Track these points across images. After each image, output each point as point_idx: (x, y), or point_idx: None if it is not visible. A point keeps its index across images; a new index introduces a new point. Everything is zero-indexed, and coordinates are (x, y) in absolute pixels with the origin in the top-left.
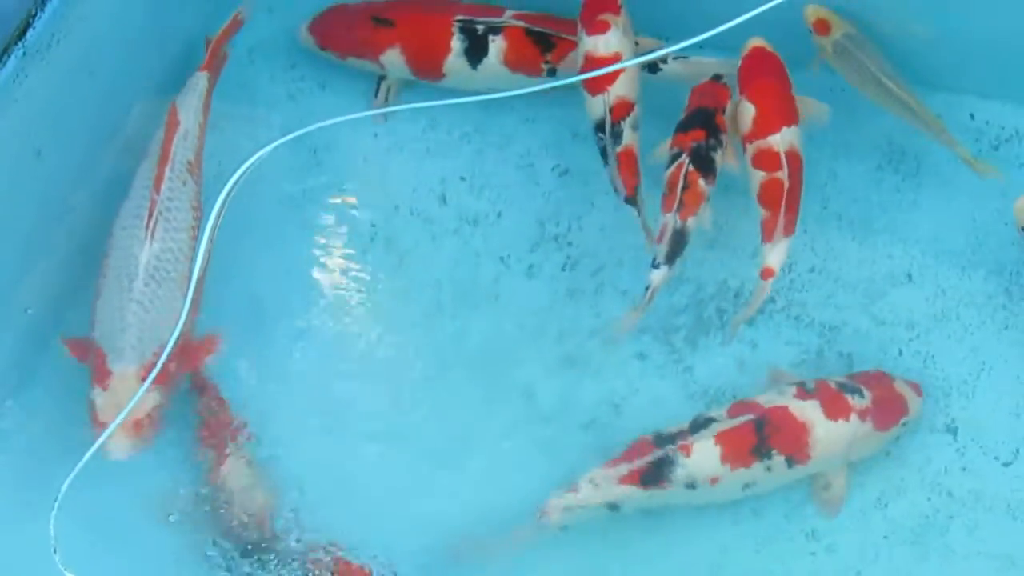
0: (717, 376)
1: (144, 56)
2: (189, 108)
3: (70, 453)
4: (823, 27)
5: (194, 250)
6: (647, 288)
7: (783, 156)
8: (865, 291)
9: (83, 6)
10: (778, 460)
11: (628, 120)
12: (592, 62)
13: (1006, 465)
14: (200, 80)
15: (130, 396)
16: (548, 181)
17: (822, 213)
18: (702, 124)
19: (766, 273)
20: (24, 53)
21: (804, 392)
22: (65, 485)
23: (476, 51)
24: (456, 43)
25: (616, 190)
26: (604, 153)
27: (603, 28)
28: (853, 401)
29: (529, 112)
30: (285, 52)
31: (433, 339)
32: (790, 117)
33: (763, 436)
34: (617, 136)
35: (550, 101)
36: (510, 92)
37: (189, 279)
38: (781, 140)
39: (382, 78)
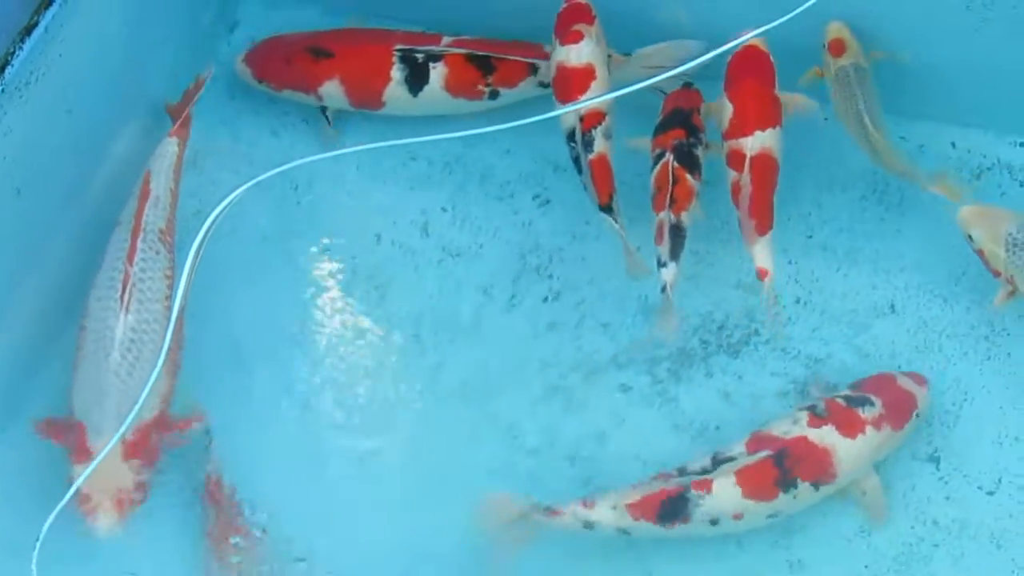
0: (702, 408)
1: (124, 93)
2: (160, 175)
3: (52, 491)
4: (838, 48)
5: (177, 321)
6: (663, 289)
7: (748, 159)
8: (849, 323)
9: (62, 44)
10: (804, 487)
11: (600, 128)
12: (564, 72)
13: (990, 494)
14: (170, 146)
15: (114, 472)
16: (529, 212)
17: (807, 244)
18: (680, 124)
19: (760, 274)
20: (2, 91)
21: (817, 418)
22: (47, 524)
23: (417, 79)
24: (396, 72)
25: (591, 199)
26: (577, 162)
27: (576, 38)
28: (865, 414)
29: (509, 143)
30: None
31: (415, 372)
32: (767, 120)
33: (785, 468)
34: (588, 144)
35: (530, 131)
36: (524, 120)
37: (163, 348)
38: (751, 143)
39: (322, 108)
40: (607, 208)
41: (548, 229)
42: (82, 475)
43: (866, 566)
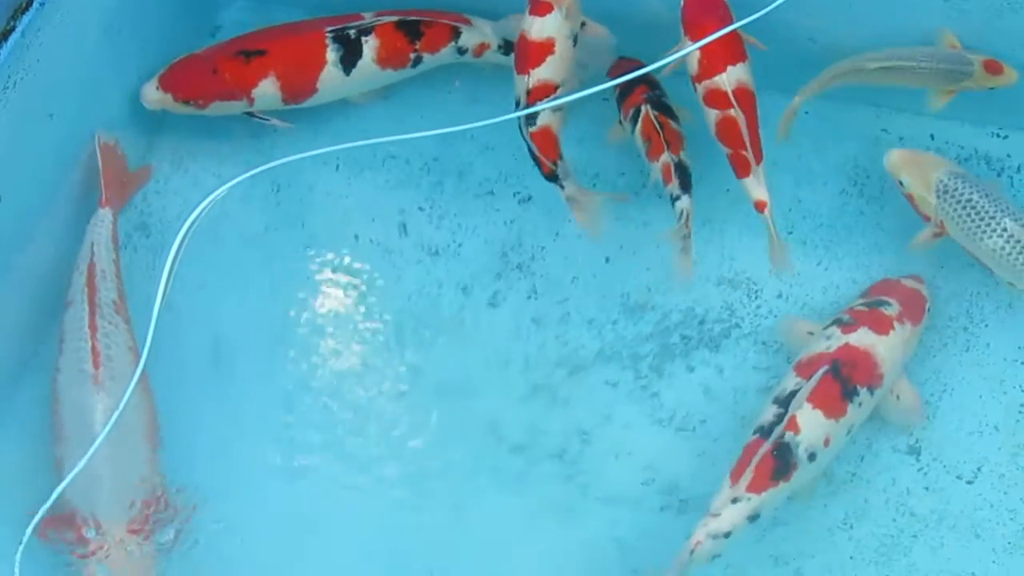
0: (684, 402)
1: (104, 97)
2: (101, 247)
3: (36, 493)
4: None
5: (148, 393)
6: (681, 216)
7: (731, 94)
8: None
9: (40, 49)
10: (863, 393)
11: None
12: (523, 42)
13: (969, 483)
14: (104, 217)
15: (126, 554)
16: (510, 209)
17: (787, 239)
18: (640, 81)
19: (759, 206)
20: None
21: (848, 326)
22: (31, 527)
23: (351, 56)
24: (331, 54)
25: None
26: (521, 132)
27: (544, 11)
28: (888, 312)
29: (488, 140)
30: None
31: (396, 371)
32: (736, 55)
33: (844, 378)
34: (532, 117)
35: (510, 128)
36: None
37: (150, 418)
38: (727, 79)
39: (249, 113)
40: (551, 177)
41: (530, 227)
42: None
43: (851, 557)
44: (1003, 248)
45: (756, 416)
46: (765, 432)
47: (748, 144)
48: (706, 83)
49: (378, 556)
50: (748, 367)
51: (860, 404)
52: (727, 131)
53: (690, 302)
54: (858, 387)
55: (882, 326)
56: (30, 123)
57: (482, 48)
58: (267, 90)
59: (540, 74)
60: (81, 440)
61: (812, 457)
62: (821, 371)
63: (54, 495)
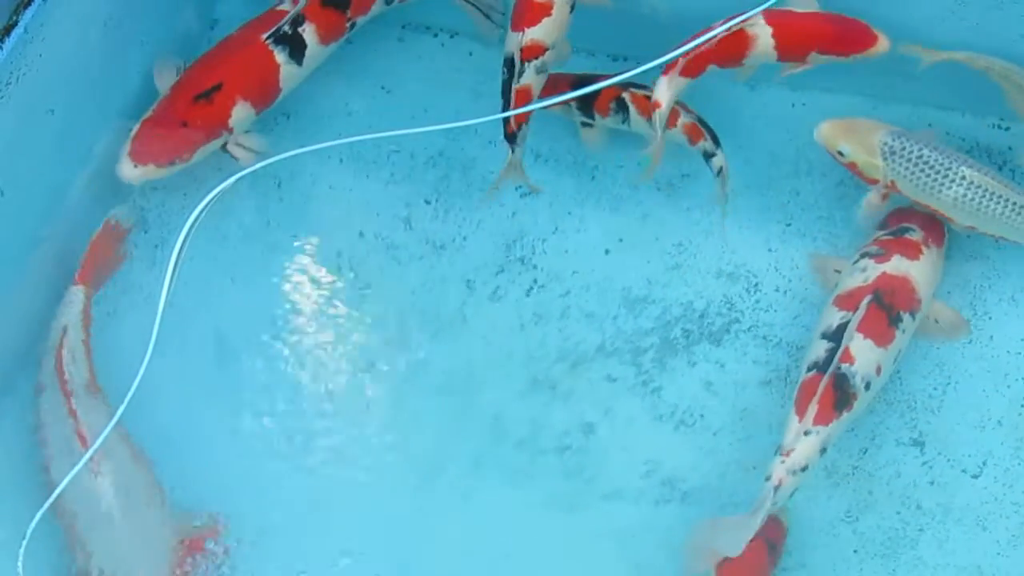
0: (685, 396)
1: (105, 92)
2: (72, 329)
3: (39, 490)
4: None
5: (135, 454)
6: (718, 173)
7: None
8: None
9: (42, 44)
10: (906, 319)
11: (535, 63)
12: (523, 1)
13: (974, 477)
14: (77, 295)
15: None
16: (512, 203)
17: (786, 232)
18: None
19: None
20: None
21: (879, 256)
22: (33, 523)
23: (297, 49)
24: (280, 55)
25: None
26: (505, 88)
27: None
28: (914, 237)
29: (492, 135)
30: None
31: (400, 366)
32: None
33: (887, 305)
34: (520, 74)
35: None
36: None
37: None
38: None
39: (224, 145)
40: (511, 137)
41: (532, 220)
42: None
43: (855, 551)
44: (964, 195)
45: (807, 353)
46: (820, 367)
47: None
48: None
49: (382, 549)
50: (749, 361)
51: (904, 330)
52: None
53: (690, 295)
54: (901, 313)
55: (912, 251)
56: (33, 118)
57: None
58: (240, 114)
59: (534, 34)
60: (97, 524)
61: (868, 386)
62: (866, 301)
63: (48, 502)
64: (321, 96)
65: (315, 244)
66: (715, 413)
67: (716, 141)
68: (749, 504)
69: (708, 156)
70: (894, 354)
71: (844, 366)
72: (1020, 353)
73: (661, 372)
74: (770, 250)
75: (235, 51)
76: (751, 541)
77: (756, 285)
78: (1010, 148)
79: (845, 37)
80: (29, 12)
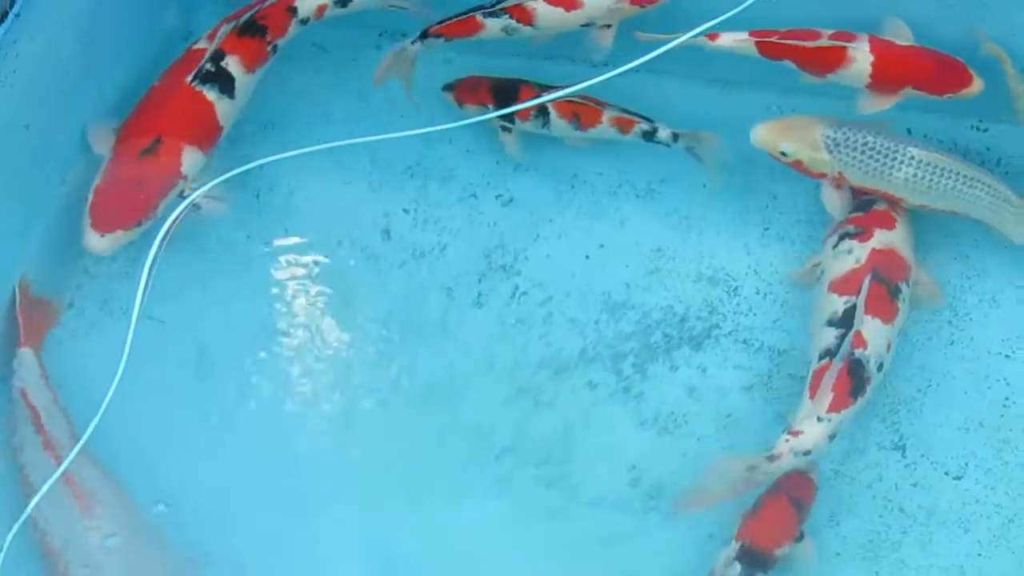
0: (667, 402)
1: (81, 107)
2: (36, 390)
3: (17, 500)
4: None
5: (122, 499)
6: (675, 140)
7: None
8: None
9: (16, 60)
10: (904, 290)
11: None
12: None
13: (957, 479)
14: (27, 358)
15: None
16: (492, 211)
17: (765, 235)
18: (516, 83)
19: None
20: None
21: (860, 235)
22: (11, 533)
23: (226, 83)
24: (211, 94)
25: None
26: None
27: None
28: (882, 207)
29: (470, 143)
30: None
31: (381, 375)
32: None
33: (886, 281)
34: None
35: (491, 131)
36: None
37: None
38: None
39: (181, 192)
40: (424, 35)
41: (512, 228)
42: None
43: (837, 554)
44: (915, 175)
45: (818, 343)
46: (832, 354)
47: None
48: None
49: (366, 559)
50: (730, 366)
51: (904, 300)
52: None
53: (670, 300)
54: (899, 284)
55: (888, 222)
56: (8, 134)
57: (322, 9)
58: (189, 160)
59: None
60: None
61: (880, 367)
62: (867, 281)
63: (37, 496)
64: (300, 105)
65: (294, 255)
66: (698, 419)
67: (649, 118)
68: (734, 510)
69: (651, 135)
70: (899, 328)
71: (858, 351)
72: (1000, 354)
73: (643, 378)
74: (749, 254)
75: (166, 100)
76: (776, 497)
77: (736, 289)
78: (988, 149)
79: (945, 76)
80: (3, 28)
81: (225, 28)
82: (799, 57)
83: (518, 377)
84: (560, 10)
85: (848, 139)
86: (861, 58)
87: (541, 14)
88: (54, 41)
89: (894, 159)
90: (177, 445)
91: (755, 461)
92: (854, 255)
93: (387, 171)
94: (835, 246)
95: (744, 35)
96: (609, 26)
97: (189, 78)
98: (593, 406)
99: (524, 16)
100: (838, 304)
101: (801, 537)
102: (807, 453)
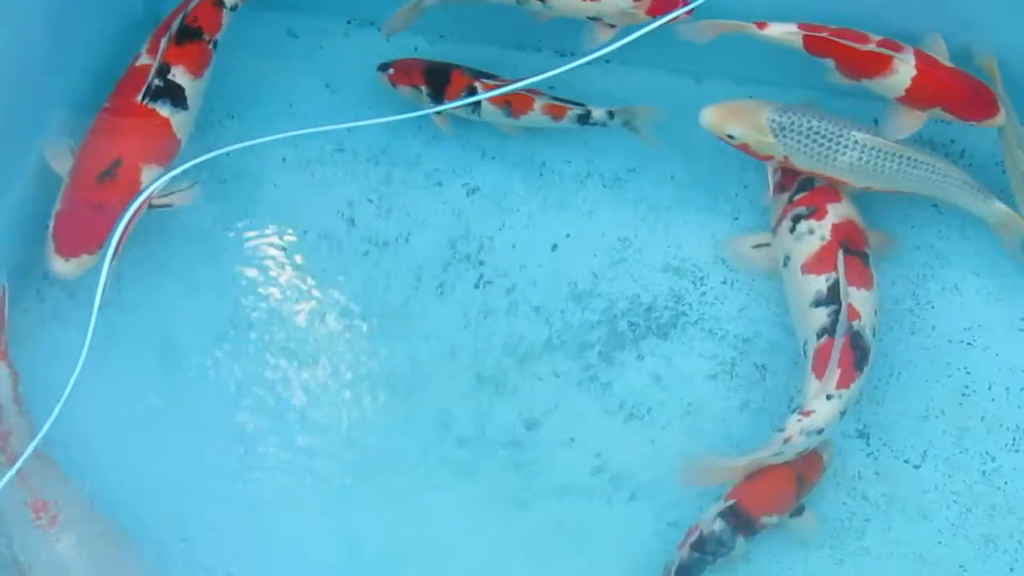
0: (633, 391)
1: (48, 94)
2: (6, 407)
3: None
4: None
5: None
6: (612, 117)
7: None
8: (776, 301)
9: None
10: (870, 255)
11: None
12: None
13: (916, 468)
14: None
15: None
16: (458, 200)
17: (734, 225)
18: (448, 68)
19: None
20: None
21: (815, 213)
22: None
23: (176, 96)
24: (163, 109)
25: None
26: None
27: None
28: (821, 183)
29: (436, 132)
30: None
31: (346, 363)
32: None
33: (855, 251)
34: None
35: (456, 121)
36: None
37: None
38: None
39: (151, 205)
40: None
41: (477, 217)
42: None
43: (801, 542)
44: (860, 159)
45: (810, 325)
46: (830, 331)
47: None
48: None
49: (331, 545)
50: (696, 355)
51: (873, 264)
52: None
53: (637, 289)
54: (866, 251)
55: (834, 195)
56: None
57: None
58: (150, 178)
59: None
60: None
61: (874, 332)
62: (840, 255)
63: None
64: (265, 94)
65: (260, 243)
66: (663, 407)
67: (581, 103)
68: (698, 497)
69: (585, 118)
70: (877, 291)
71: (855, 323)
72: (962, 342)
73: (608, 367)
74: (716, 244)
75: (120, 121)
76: (781, 468)
77: (702, 279)
78: (952, 141)
79: (975, 103)
80: None
81: (163, 41)
82: (844, 57)
83: (482, 365)
84: None
85: (794, 123)
86: (904, 71)
87: None
88: (22, 32)
89: (839, 143)
90: (142, 430)
91: (768, 450)
92: (817, 234)
93: (352, 159)
94: (792, 230)
95: (793, 27)
96: (613, 26)
97: (139, 97)
98: (558, 395)
99: None
100: (820, 283)
101: (800, 511)
102: (820, 432)
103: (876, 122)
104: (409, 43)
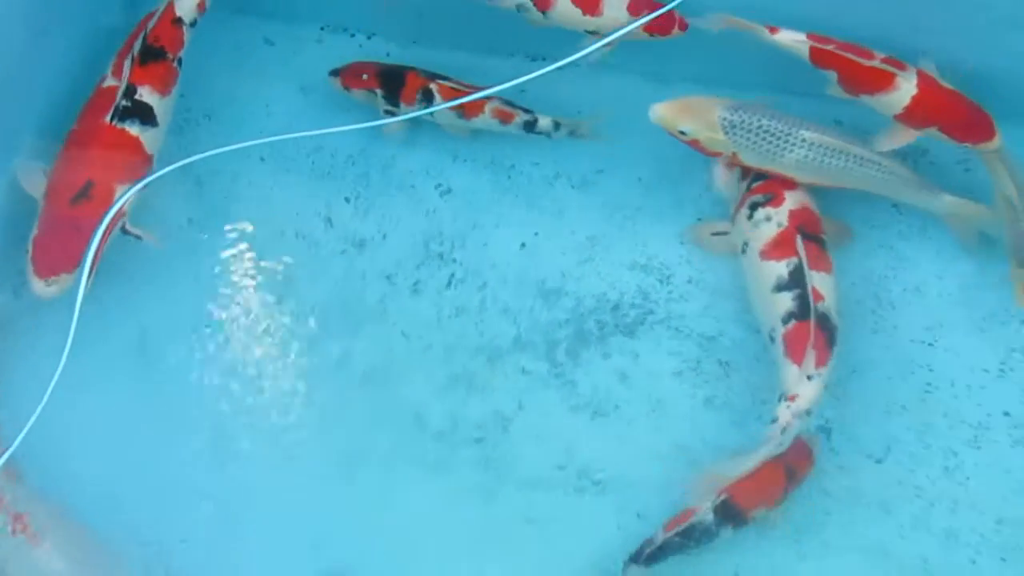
0: (599, 387)
1: (33, 94)
2: None
3: None
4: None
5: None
6: (557, 129)
7: None
8: (739, 300)
9: None
10: (825, 240)
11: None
12: None
13: (878, 462)
14: None
15: None
16: (431, 201)
17: (698, 224)
18: (402, 70)
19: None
20: None
21: (772, 200)
22: None
23: (146, 115)
24: (133, 128)
25: None
26: None
27: None
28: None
29: (410, 135)
30: None
31: (321, 359)
32: None
33: (812, 235)
34: None
35: (431, 125)
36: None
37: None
38: None
39: (122, 227)
40: None
41: (450, 217)
42: None
43: (762, 536)
44: (807, 156)
45: (775, 310)
46: (798, 315)
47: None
48: None
49: (305, 537)
50: (663, 352)
51: (829, 248)
52: None
53: (604, 287)
54: (822, 236)
55: (790, 183)
56: None
57: (201, 6)
58: (124, 191)
59: None
60: None
61: (838, 313)
62: (799, 241)
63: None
64: (241, 97)
65: (236, 242)
66: (629, 404)
67: (529, 110)
68: (662, 491)
69: (532, 126)
70: (835, 274)
71: (820, 305)
72: (923, 342)
73: (576, 364)
74: (682, 243)
75: (90, 144)
76: (772, 462)
77: (668, 277)
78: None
79: (972, 126)
80: None
81: (127, 63)
82: (847, 71)
83: (454, 362)
84: (578, 11)
85: (744, 121)
86: (905, 89)
87: (559, 7)
88: (8, 33)
89: (786, 141)
90: (119, 423)
91: (770, 443)
92: (775, 220)
93: (329, 161)
94: (750, 217)
95: (802, 36)
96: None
97: (108, 117)
98: (527, 391)
99: (544, 3)
100: (780, 268)
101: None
102: (808, 412)
103: (840, 122)
104: (381, 48)
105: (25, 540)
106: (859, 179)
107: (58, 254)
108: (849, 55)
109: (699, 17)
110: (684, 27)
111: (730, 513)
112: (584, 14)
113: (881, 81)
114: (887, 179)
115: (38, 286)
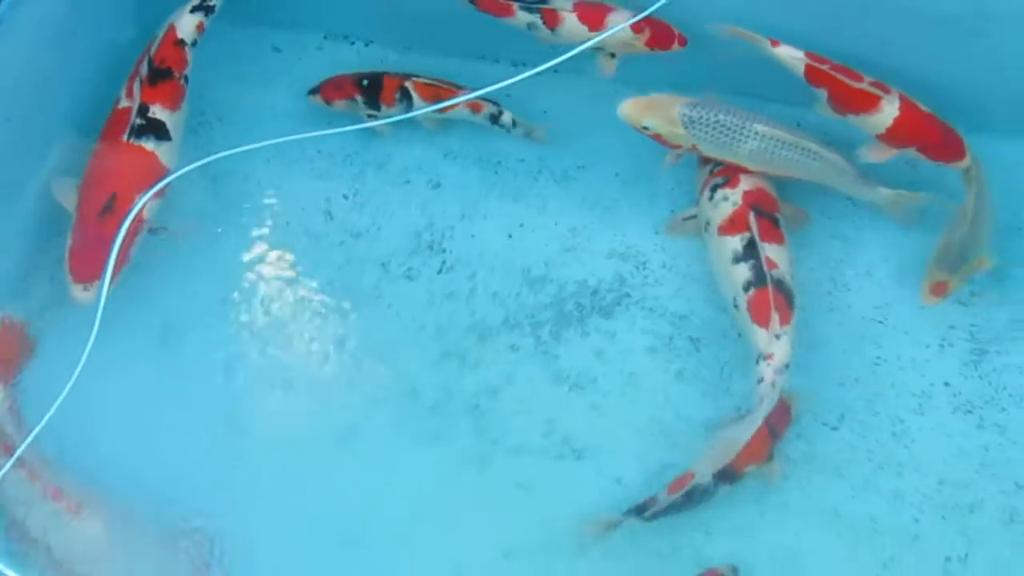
0: (579, 363)
1: (57, 99)
2: (6, 425)
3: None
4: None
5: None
6: (515, 125)
7: None
8: (708, 282)
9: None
10: (780, 220)
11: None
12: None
13: (833, 429)
14: None
15: None
16: (423, 194)
17: (671, 216)
18: (372, 84)
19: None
20: None
21: (728, 183)
22: None
23: (160, 130)
24: (149, 144)
25: None
26: None
27: None
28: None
29: (403, 135)
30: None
31: (323, 339)
32: None
33: (766, 213)
34: None
35: (422, 126)
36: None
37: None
38: None
39: (150, 229)
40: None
41: (440, 210)
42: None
43: (726, 496)
44: (759, 147)
45: (735, 281)
46: (755, 282)
47: None
48: None
49: (312, 509)
50: (637, 331)
51: (783, 226)
52: None
53: (584, 274)
54: (775, 214)
55: (746, 167)
56: None
57: (200, 26)
58: (146, 206)
59: None
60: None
61: (793, 278)
62: (752, 217)
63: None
64: (250, 102)
65: (247, 234)
66: (605, 377)
67: (497, 103)
68: (637, 458)
69: (496, 118)
70: (789, 246)
71: (774, 272)
72: (874, 319)
73: (558, 342)
74: (657, 233)
75: (111, 160)
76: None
77: (644, 263)
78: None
79: (946, 147)
80: None
81: (136, 85)
82: (837, 90)
83: (447, 341)
84: (585, 28)
85: (701, 116)
86: (888, 111)
87: (567, 24)
88: (32, 39)
89: (740, 134)
90: (141, 405)
91: (765, 401)
92: (731, 200)
93: (330, 160)
94: (711, 198)
95: (800, 54)
96: (614, 56)
97: (125, 136)
98: (514, 367)
99: (553, 21)
100: (735, 242)
101: (771, 458)
102: (786, 366)
103: (799, 124)
104: (378, 55)
105: (63, 509)
106: (805, 170)
107: (91, 263)
108: (841, 76)
109: (714, 24)
110: (683, 42)
111: (724, 473)
112: (590, 30)
113: (867, 103)
114: (829, 171)
115: (76, 291)
